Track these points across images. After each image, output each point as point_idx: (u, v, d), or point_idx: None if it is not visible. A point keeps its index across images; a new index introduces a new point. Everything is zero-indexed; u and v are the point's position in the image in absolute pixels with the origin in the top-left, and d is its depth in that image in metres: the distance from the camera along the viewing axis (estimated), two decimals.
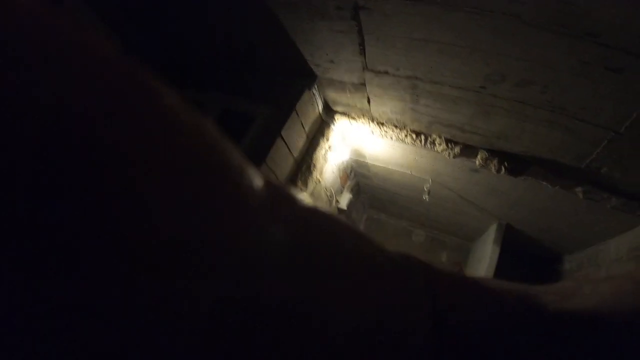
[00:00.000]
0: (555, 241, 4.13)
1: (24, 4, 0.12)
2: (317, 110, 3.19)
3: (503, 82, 2.18)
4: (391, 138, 3.21)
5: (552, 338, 0.22)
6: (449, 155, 3.05)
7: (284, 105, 2.88)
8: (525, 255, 4.71)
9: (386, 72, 2.50)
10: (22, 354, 0.12)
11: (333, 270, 0.19)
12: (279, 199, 0.19)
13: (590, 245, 3.82)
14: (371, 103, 2.95)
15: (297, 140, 3.04)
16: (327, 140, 3.39)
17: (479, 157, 2.94)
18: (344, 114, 3.27)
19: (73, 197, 0.11)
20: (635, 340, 0.20)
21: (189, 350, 0.14)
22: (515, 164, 2.86)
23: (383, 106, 2.94)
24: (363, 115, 3.20)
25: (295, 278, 0.17)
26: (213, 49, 3.02)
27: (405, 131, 3.13)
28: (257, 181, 0.17)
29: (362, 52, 2.37)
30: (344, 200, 4.20)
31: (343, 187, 4.30)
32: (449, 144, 3.02)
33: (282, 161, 2.93)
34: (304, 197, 0.21)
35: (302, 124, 3.04)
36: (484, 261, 4.11)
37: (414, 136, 3.12)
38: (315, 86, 2.96)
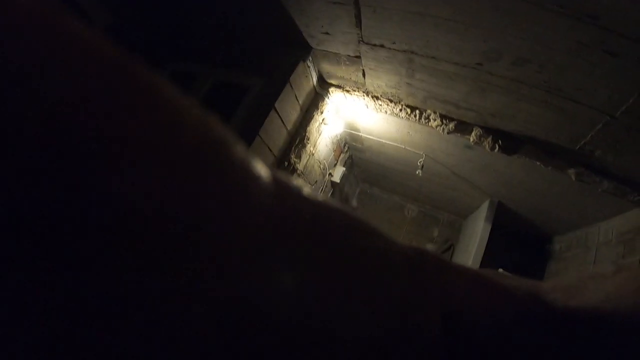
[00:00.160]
0: (546, 221, 4.17)
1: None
2: (311, 83, 3.14)
3: (500, 60, 2.14)
4: (386, 112, 3.18)
5: (560, 336, 0.22)
6: (443, 131, 3.03)
7: (278, 77, 2.82)
8: (516, 234, 4.76)
9: (382, 46, 2.45)
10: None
11: (345, 268, 0.18)
12: (286, 193, 0.18)
13: (580, 227, 3.86)
14: (366, 76, 2.91)
15: (290, 112, 3.01)
16: (321, 113, 3.35)
17: (473, 134, 2.93)
18: (338, 87, 3.22)
19: (77, 194, 0.11)
20: (636, 338, 0.20)
21: (184, 348, 0.13)
22: (509, 142, 2.86)
23: (378, 80, 2.90)
24: (358, 89, 3.15)
25: (303, 277, 0.17)
26: (204, 18, 2.94)
27: (400, 105, 3.10)
28: (264, 176, 0.17)
29: (358, 24, 2.31)
30: (338, 174, 4.19)
31: (337, 161, 4.29)
32: (444, 120, 3.00)
33: (276, 134, 2.90)
34: (312, 190, 0.20)
35: (296, 96, 2.99)
36: (475, 238, 4.15)
37: (408, 111, 3.09)
38: (310, 58, 2.90)
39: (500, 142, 2.85)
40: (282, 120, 2.91)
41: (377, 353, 0.18)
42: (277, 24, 2.63)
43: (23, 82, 0.11)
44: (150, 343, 0.13)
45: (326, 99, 3.30)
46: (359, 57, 2.68)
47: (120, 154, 0.12)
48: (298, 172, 3.30)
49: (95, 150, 0.12)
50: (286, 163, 3.10)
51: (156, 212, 0.12)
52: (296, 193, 0.19)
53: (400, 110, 3.11)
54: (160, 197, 0.13)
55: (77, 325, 0.12)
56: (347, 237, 0.20)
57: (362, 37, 2.44)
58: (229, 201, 0.15)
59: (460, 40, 2.12)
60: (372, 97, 3.14)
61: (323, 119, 3.42)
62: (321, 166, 3.88)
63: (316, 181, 3.88)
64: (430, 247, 3.94)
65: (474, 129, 2.92)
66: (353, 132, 3.86)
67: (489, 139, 2.88)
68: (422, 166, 3.71)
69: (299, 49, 2.84)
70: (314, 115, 3.26)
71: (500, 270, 0.38)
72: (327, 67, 3.04)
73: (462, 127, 2.97)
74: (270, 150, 2.87)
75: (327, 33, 2.55)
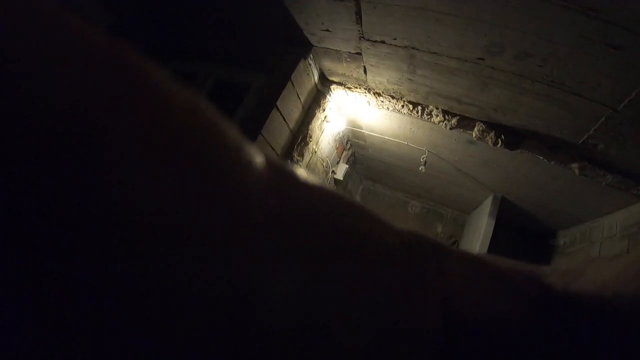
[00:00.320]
0: (549, 216, 4.15)
1: None
2: (312, 81, 3.13)
3: (502, 54, 2.13)
4: (388, 109, 3.18)
5: (559, 319, 0.22)
6: (445, 127, 3.02)
7: (279, 75, 2.82)
8: (519, 228, 4.75)
9: (383, 42, 2.44)
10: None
11: (342, 253, 0.18)
12: (281, 178, 0.18)
13: (584, 221, 3.84)
14: (368, 73, 2.90)
15: (292, 110, 3.00)
16: (323, 110, 3.34)
17: (475, 129, 2.92)
18: (340, 84, 3.21)
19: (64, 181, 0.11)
20: (637, 324, 0.20)
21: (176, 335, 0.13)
22: (511, 137, 2.85)
23: (380, 76, 2.89)
24: (359, 86, 3.14)
25: (299, 262, 0.16)
26: (205, 17, 2.93)
27: (402, 102, 3.09)
28: (257, 160, 0.16)
29: (359, 20, 2.31)
30: (341, 171, 4.19)
31: (339, 158, 4.29)
32: (446, 116, 2.99)
33: (278, 132, 2.90)
34: (308, 175, 0.20)
35: (297, 94, 2.99)
36: (478, 234, 4.15)
37: (410, 107, 3.09)
38: (311, 55, 2.89)
39: (502, 137, 2.84)
40: (284, 119, 2.90)
41: (376, 338, 0.18)
42: (277, 22, 2.62)
43: (23, 81, 0.11)
44: (145, 337, 0.13)
45: (328, 96, 3.29)
46: (360, 53, 2.67)
47: (108, 140, 0.12)
48: None
49: (80, 137, 0.11)
50: (289, 161, 3.10)
51: (143, 199, 0.12)
52: (292, 178, 0.18)
53: (402, 106, 3.10)
54: (147, 184, 0.12)
55: (67, 314, 0.12)
56: (344, 221, 0.19)
57: (362, 34, 2.43)
58: (221, 186, 0.14)
59: (461, 35, 2.11)
60: (374, 93, 3.13)
61: (325, 117, 3.41)
62: (324, 164, 3.87)
63: (319, 179, 3.87)
64: None
65: (477, 124, 2.91)
66: (355, 129, 3.86)
67: (492, 134, 2.86)
68: (425, 162, 3.71)
69: (299, 47, 2.83)
70: (316, 113, 3.25)
71: None
72: (328, 65, 3.03)
73: (465, 123, 2.96)
74: (273, 149, 2.87)
75: (327, 30, 2.54)
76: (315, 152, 3.55)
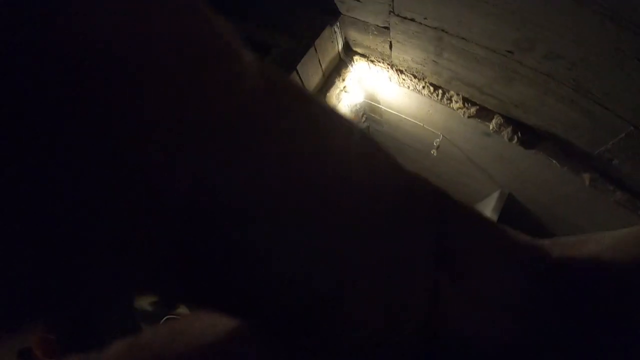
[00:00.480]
0: (552, 221, 4.11)
1: None
2: (336, 49, 3.06)
3: (532, 51, 2.06)
4: (408, 87, 3.11)
5: (555, 283, 0.22)
6: (463, 115, 2.96)
7: (303, 40, 2.76)
8: (520, 229, 4.71)
9: (412, 20, 2.36)
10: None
11: (341, 177, 0.17)
12: (279, 91, 0.16)
13: (587, 232, 3.80)
14: (393, 49, 2.83)
15: (312, 76, 2.96)
16: (343, 80, 3.29)
17: (493, 121, 2.86)
18: (363, 56, 3.14)
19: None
20: (634, 287, 0.20)
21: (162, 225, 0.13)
22: (528, 135, 2.79)
23: (405, 54, 2.82)
24: (383, 60, 3.07)
25: (295, 181, 0.15)
26: None
27: (423, 82, 3.03)
28: (254, 69, 0.15)
29: None
30: None
31: None
32: (466, 103, 2.93)
33: None
34: (312, 92, 0.19)
35: (319, 60, 2.93)
36: None
37: (431, 89, 3.02)
38: (338, 24, 2.82)
39: (519, 134, 2.78)
40: (302, 84, 2.87)
41: (364, 274, 0.17)
42: None
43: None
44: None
45: (350, 66, 3.23)
46: (387, 28, 2.60)
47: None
48: None
49: None
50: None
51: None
52: (292, 90, 0.17)
53: (423, 87, 3.04)
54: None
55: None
56: (343, 143, 0.18)
57: (393, 9, 2.35)
58: (216, 92, 0.13)
59: (494, 25, 2.04)
60: (396, 70, 3.06)
61: (344, 87, 3.36)
62: None
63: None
64: None
65: (495, 116, 2.84)
66: (373, 103, 3.80)
67: (509, 129, 2.81)
68: (438, 147, 3.66)
69: (327, 13, 2.76)
70: (335, 82, 3.20)
71: None
72: (354, 35, 2.96)
73: (483, 114, 2.90)
74: None
75: (358, 0, 2.46)
76: None
